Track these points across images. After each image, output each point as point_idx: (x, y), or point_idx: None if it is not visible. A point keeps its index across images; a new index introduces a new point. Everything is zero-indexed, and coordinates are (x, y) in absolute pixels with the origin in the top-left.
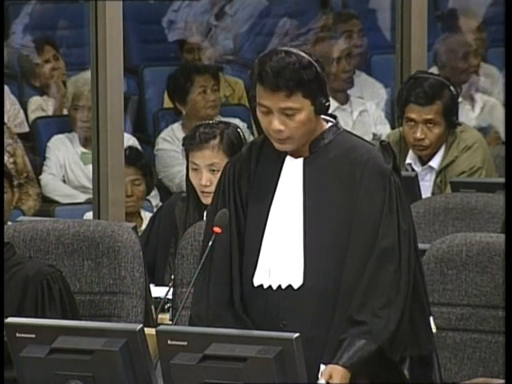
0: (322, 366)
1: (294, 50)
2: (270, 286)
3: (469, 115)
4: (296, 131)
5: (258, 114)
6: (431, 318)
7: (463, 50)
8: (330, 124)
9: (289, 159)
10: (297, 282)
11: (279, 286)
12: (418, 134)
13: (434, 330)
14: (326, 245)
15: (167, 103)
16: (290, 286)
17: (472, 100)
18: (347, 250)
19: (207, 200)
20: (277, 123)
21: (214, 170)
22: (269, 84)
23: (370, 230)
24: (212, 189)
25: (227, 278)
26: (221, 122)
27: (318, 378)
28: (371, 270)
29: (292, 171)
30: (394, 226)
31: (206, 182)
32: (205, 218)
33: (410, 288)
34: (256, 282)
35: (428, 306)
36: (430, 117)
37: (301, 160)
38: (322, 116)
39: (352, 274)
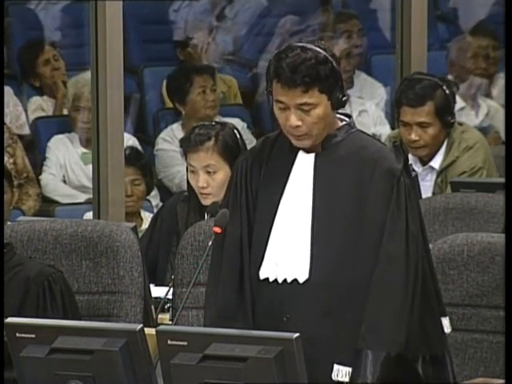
0: (336, 366)
1: (310, 46)
2: (275, 280)
3: (472, 120)
4: (313, 126)
5: (276, 111)
6: (447, 318)
7: (473, 51)
8: (344, 122)
9: (301, 154)
10: (302, 276)
11: (285, 280)
12: (413, 136)
13: (448, 330)
14: (333, 241)
15: (167, 103)
16: (295, 280)
17: (475, 104)
18: (355, 247)
19: (206, 201)
20: (294, 119)
21: (210, 172)
22: (285, 80)
23: (379, 229)
24: (210, 190)
25: (237, 272)
26: (217, 122)
27: (325, 376)
28: (379, 273)
29: (303, 166)
30: (402, 229)
31: (203, 183)
32: (206, 217)
33: (417, 290)
34: (262, 275)
35: (441, 307)
36: (421, 119)
37: (312, 156)
38: (338, 115)
39: (363, 273)
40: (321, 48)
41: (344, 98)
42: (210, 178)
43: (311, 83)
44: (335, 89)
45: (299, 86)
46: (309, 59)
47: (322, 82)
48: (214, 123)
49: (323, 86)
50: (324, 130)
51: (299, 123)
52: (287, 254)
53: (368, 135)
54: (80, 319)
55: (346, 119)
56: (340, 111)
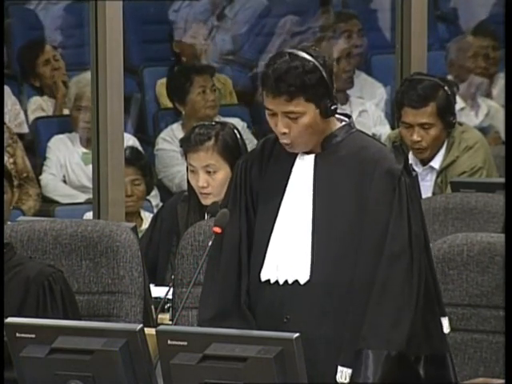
0: (340, 368)
1: (300, 53)
2: (276, 281)
3: (472, 121)
4: (300, 135)
5: (267, 116)
6: (446, 319)
7: (473, 50)
8: (343, 123)
9: (301, 155)
10: (303, 277)
11: (286, 281)
12: (415, 137)
13: (447, 331)
14: (333, 241)
15: (162, 104)
16: (296, 282)
17: (475, 105)
18: (356, 248)
19: (206, 201)
20: (281, 126)
21: (210, 172)
22: (270, 88)
23: (381, 229)
24: (210, 190)
25: (234, 273)
26: (218, 122)
27: (325, 378)
28: (382, 273)
29: (303, 167)
30: (404, 229)
31: (203, 183)
32: (206, 217)
33: (421, 290)
34: (263, 277)
35: (441, 307)
36: (424, 120)
37: (312, 156)
38: (337, 115)
39: (364, 274)
40: (312, 55)
41: (333, 106)
42: (210, 178)
43: (296, 92)
44: (323, 97)
45: (283, 95)
46: (295, 68)
47: (308, 91)
48: (214, 123)
49: (309, 94)
50: (313, 135)
51: (286, 130)
52: (288, 255)
53: (368, 135)
54: (80, 319)
55: (346, 119)
56: (339, 111)
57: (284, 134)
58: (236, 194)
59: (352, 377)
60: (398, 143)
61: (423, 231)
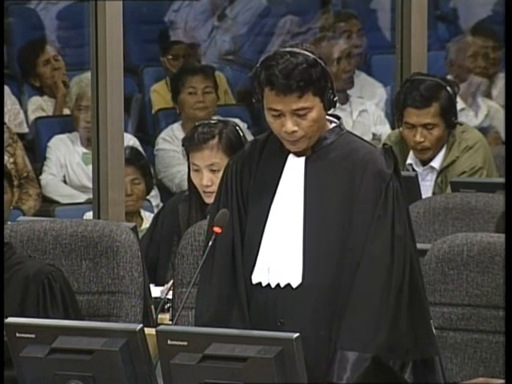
0: None
1: (298, 50)
2: (268, 284)
3: (472, 121)
4: (309, 129)
5: (269, 118)
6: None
7: (472, 50)
8: (333, 124)
9: (291, 157)
10: (296, 280)
11: (278, 285)
12: (418, 137)
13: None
14: (325, 244)
15: (161, 103)
16: (288, 285)
17: (475, 105)
18: (346, 251)
19: (210, 200)
20: (290, 125)
21: (214, 170)
22: (280, 87)
23: (365, 231)
24: (214, 188)
25: (229, 275)
26: (219, 120)
27: (320, 379)
28: (360, 274)
29: (294, 169)
30: (386, 230)
31: (208, 182)
32: (207, 217)
33: (404, 292)
34: (255, 280)
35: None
36: (427, 121)
37: (303, 159)
38: (327, 117)
39: (349, 276)
40: (308, 51)
41: (335, 99)
42: (215, 177)
43: (306, 87)
44: (326, 90)
45: (295, 92)
46: (300, 63)
47: (315, 84)
48: (215, 121)
49: (316, 88)
50: (318, 131)
51: (295, 128)
52: (280, 258)
53: (358, 137)
54: (81, 317)
55: (336, 121)
56: (329, 113)
57: (294, 132)
58: (227, 195)
59: (326, 376)
60: (388, 146)
61: (411, 235)
